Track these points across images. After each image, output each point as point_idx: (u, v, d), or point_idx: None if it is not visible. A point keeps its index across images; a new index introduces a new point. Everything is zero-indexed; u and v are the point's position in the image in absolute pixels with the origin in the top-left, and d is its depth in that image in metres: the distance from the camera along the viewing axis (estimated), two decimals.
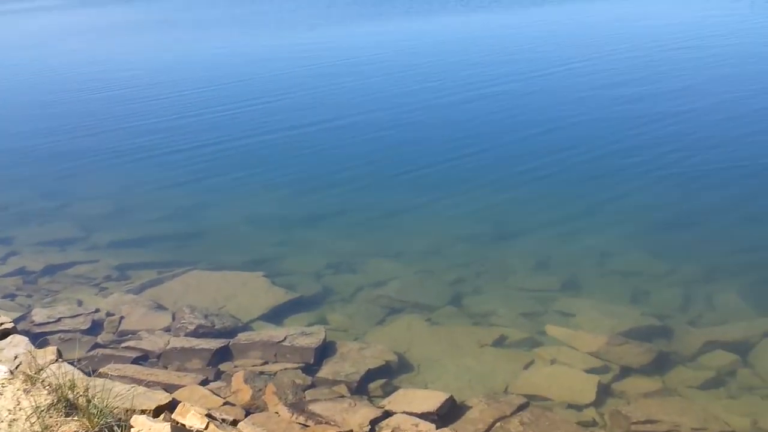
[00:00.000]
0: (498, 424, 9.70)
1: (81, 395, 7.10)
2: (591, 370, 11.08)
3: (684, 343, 11.73)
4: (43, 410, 6.90)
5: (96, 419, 6.77)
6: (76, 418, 6.95)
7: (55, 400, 7.18)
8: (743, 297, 12.97)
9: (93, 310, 13.51)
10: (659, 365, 11.15)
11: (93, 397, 7.07)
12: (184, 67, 45.55)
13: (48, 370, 8.07)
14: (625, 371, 11.06)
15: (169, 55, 50.68)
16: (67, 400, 7.18)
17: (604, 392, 10.56)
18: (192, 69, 44.28)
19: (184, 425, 8.55)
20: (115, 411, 7.06)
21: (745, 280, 13.51)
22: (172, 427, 7.92)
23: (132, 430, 7.70)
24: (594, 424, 9.89)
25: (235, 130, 27.98)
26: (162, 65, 46.56)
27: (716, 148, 20.78)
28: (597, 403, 10.30)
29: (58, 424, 6.80)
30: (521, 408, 10.04)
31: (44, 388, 7.62)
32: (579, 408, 10.25)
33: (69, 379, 7.41)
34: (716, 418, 9.69)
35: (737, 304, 12.82)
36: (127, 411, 8.44)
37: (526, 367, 11.39)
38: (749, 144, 20.91)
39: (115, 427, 6.77)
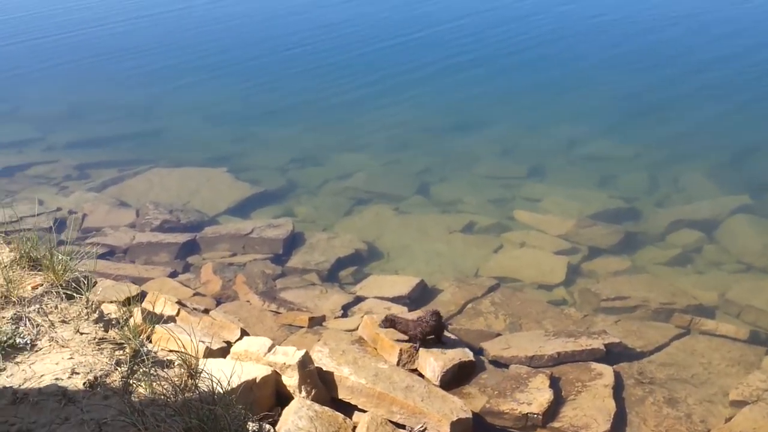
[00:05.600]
0: (470, 305, 9.74)
1: (45, 255, 6.88)
2: (560, 252, 11.12)
3: (651, 224, 11.81)
4: (5, 266, 6.67)
5: (61, 273, 6.57)
6: (41, 272, 6.76)
7: (18, 257, 6.96)
8: (708, 177, 13.05)
9: (54, 209, 13.21)
10: (627, 245, 11.22)
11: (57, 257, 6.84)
12: None
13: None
14: (594, 252, 11.12)
15: None
16: (30, 257, 6.96)
17: (573, 272, 10.63)
18: None
19: (155, 313, 8.43)
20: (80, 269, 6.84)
21: (710, 161, 13.58)
22: (142, 311, 7.78)
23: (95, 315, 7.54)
24: (564, 302, 9.98)
25: (185, 29, 27.42)
26: None
27: (677, 33, 20.70)
28: (567, 282, 10.38)
29: (23, 278, 6.60)
30: (492, 289, 10.09)
31: (6, 245, 7.39)
32: (549, 288, 10.32)
33: (30, 238, 7.17)
34: (684, 293, 9.81)
35: (703, 184, 12.90)
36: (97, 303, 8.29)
37: (496, 251, 11.39)
38: (711, 32, 20.79)
39: (82, 280, 6.56)
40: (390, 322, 7.89)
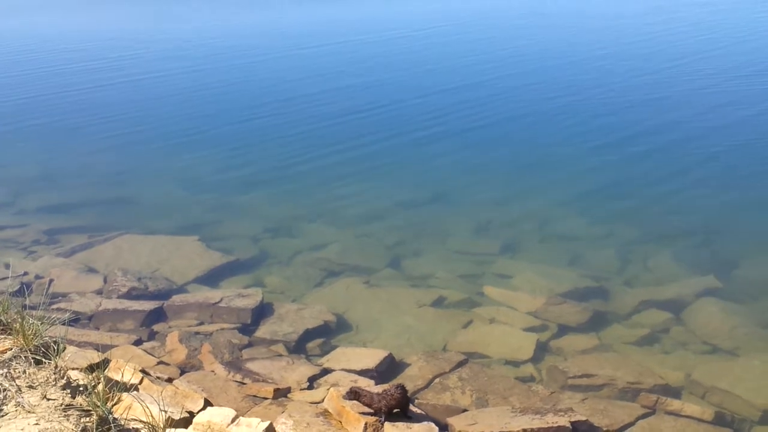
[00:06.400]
0: (437, 380, 9.68)
1: (15, 319, 6.80)
2: (529, 329, 11.15)
3: (620, 303, 11.87)
4: None
5: (31, 338, 6.50)
6: (10, 336, 6.68)
7: None
8: (677, 259, 13.16)
9: (21, 273, 13.06)
10: (596, 324, 11.26)
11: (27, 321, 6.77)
12: (105, 37, 45.02)
13: None
14: (563, 329, 11.15)
15: (91, 28, 49.83)
16: (0, 321, 6.89)
17: (541, 349, 10.64)
18: (114, 39, 43.83)
19: (117, 381, 8.30)
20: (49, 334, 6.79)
21: (679, 244, 13.73)
22: (107, 379, 7.65)
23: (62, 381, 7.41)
24: (532, 379, 9.95)
25: (163, 95, 27.69)
26: (85, 36, 45.79)
27: (651, 118, 21.09)
28: (535, 359, 10.38)
29: None
30: (460, 364, 10.05)
31: None
32: (517, 364, 10.31)
33: (1, 302, 7.11)
34: (651, 373, 9.82)
35: (671, 266, 13.00)
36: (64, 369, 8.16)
37: (465, 326, 11.38)
38: (684, 115, 21.26)
39: (52, 345, 6.48)
40: (354, 395, 7.83)
